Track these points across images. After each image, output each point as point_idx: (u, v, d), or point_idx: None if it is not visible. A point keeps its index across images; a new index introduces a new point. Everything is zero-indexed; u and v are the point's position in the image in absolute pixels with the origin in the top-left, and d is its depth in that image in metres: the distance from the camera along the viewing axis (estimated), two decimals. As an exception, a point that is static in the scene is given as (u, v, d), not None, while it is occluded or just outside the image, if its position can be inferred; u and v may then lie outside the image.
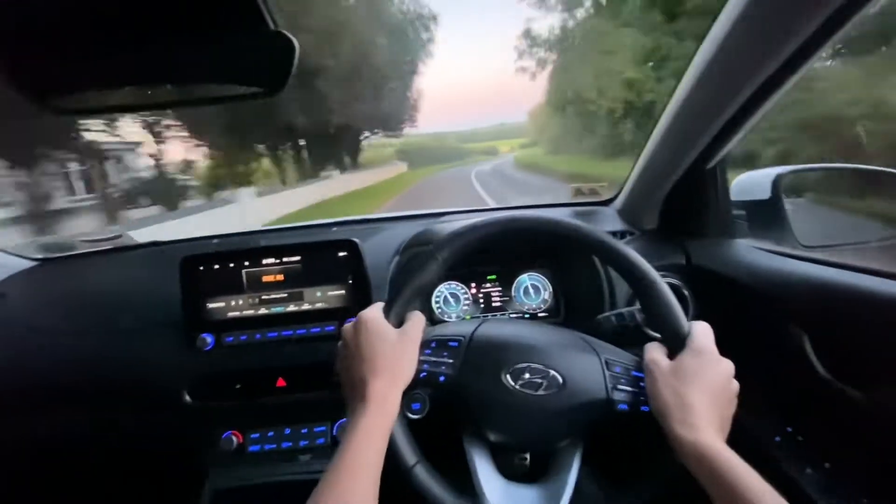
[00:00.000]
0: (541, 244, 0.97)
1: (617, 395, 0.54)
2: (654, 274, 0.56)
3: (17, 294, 1.01)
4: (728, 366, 0.53)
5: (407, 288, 0.58)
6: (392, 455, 0.52)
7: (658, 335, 0.58)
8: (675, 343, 0.55)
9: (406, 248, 0.95)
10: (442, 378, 0.56)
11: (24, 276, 1.06)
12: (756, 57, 0.59)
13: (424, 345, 0.58)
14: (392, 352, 0.54)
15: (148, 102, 0.57)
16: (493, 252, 0.98)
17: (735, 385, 0.53)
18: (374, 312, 0.57)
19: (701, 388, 0.50)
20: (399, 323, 0.57)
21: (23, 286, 1.04)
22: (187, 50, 0.51)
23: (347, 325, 0.57)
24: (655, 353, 0.55)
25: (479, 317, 1.00)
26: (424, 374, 0.56)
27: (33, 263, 1.10)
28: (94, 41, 0.48)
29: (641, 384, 0.54)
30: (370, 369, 0.52)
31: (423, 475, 0.55)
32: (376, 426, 0.50)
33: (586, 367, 0.56)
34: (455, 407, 0.60)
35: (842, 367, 0.62)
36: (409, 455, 0.55)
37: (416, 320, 0.58)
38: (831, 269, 0.68)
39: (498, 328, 0.62)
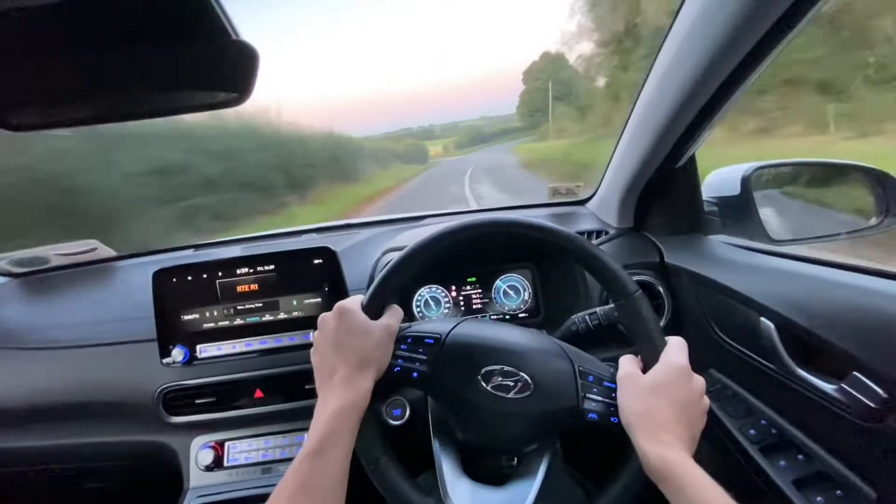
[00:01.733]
0: (521, 246, 0.98)
1: (587, 405, 0.55)
2: (633, 286, 0.57)
3: None
4: (700, 382, 0.53)
5: (386, 282, 0.58)
6: (358, 448, 0.52)
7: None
8: (650, 357, 0.55)
9: (385, 253, 0.95)
10: (415, 374, 0.56)
11: None
12: (715, 55, 0.59)
13: (401, 340, 0.58)
14: (367, 342, 0.54)
15: (112, 114, 0.56)
16: (473, 254, 0.99)
17: (706, 401, 0.53)
18: (352, 303, 0.57)
19: (671, 403, 0.50)
20: (377, 316, 0.57)
21: None
22: (149, 61, 0.50)
23: (324, 314, 0.57)
24: (629, 366, 0.55)
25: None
26: (398, 368, 0.57)
27: (4, 280, 1.08)
28: (52, 55, 0.47)
29: (613, 395, 0.54)
30: (343, 358, 0.53)
31: (389, 470, 0.55)
32: (345, 412, 0.50)
33: (559, 373, 0.57)
34: (426, 402, 0.61)
35: (810, 359, 0.63)
36: (375, 448, 0.55)
37: (394, 313, 0.59)
38: (799, 262, 0.69)
39: (474, 329, 0.62)
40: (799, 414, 0.67)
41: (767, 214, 0.85)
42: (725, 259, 0.80)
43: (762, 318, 0.68)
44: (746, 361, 0.72)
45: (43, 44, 0.45)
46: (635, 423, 0.50)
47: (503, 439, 0.58)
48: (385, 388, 0.56)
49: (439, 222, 1.11)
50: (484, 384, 0.55)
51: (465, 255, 0.98)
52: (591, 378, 0.56)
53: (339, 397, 0.50)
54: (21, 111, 0.52)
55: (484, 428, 0.58)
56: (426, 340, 0.58)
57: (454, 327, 0.60)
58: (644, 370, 0.54)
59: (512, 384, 0.55)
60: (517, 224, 0.60)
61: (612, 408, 0.54)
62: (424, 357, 0.57)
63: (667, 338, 0.56)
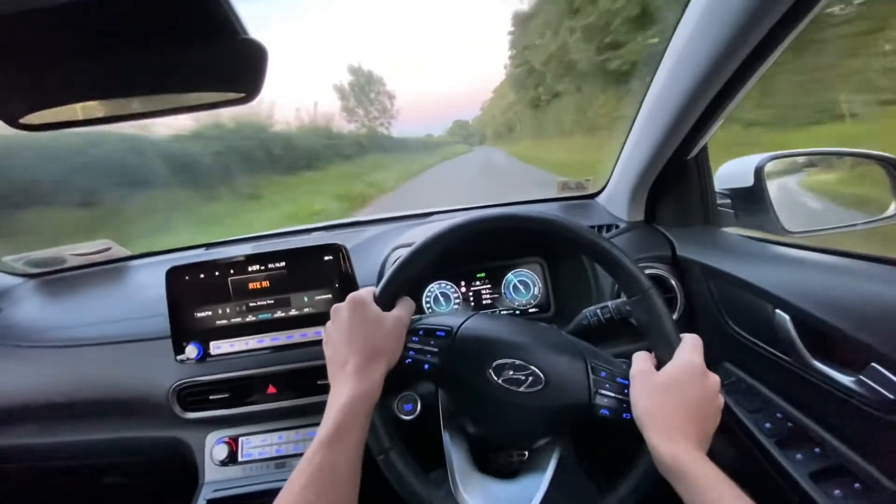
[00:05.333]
0: (532, 241, 0.97)
1: (599, 400, 0.54)
2: (646, 281, 0.56)
3: (8, 312, 1.01)
4: (714, 381, 0.53)
5: (398, 274, 0.59)
6: (368, 438, 0.53)
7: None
8: (664, 354, 0.54)
9: (394, 250, 0.95)
10: (426, 366, 0.57)
11: (14, 293, 1.06)
12: (727, 45, 0.58)
13: (412, 332, 0.58)
14: (379, 333, 0.55)
15: (123, 113, 0.56)
16: (483, 249, 0.99)
17: (720, 400, 0.53)
18: (364, 295, 0.57)
19: (685, 401, 0.50)
20: (389, 307, 0.58)
21: (13, 303, 1.04)
22: (159, 61, 0.50)
23: (337, 305, 0.57)
24: (643, 362, 0.55)
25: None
26: (410, 360, 0.57)
27: (22, 280, 1.10)
28: (63, 56, 0.47)
29: (626, 391, 0.54)
30: (355, 349, 0.53)
31: (398, 461, 0.55)
32: (358, 401, 0.50)
33: (571, 368, 0.56)
34: (437, 397, 0.61)
35: (827, 351, 0.62)
36: (384, 439, 0.55)
37: (406, 305, 0.59)
38: (814, 253, 0.68)
39: (486, 323, 0.61)
40: (815, 406, 0.66)
41: (781, 205, 0.84)
42: (739, 251, 0.79)
43: (777, 311, 0.67)
44: (761, 354, 0.71)
45: (54, 45, 0.46)
46: (648, 420, 0.50)
47: (514, 433, 0.58)
48: (397, 379, 0.56)
49: (446, 219, 1.11)
50: (495, 377, 0.55)
51: (475, 250, 0.98)
52: (603, 374, 0.56)
53: (351, 387, 0.50)
54: (32, 111, 0.53)
55: (495, 421, 0.58)
56: (438, 333, 0.59)
57: (466, 320, 0.61)
58: (658, 367, 0.54)
59: (523, 378, 0.55)
60: (529, 219, 0.60)
61: (624, 404, 0.54)
62: (436, 349, 0.57)
63: (682, 335, 0.55)
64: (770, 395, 0.72)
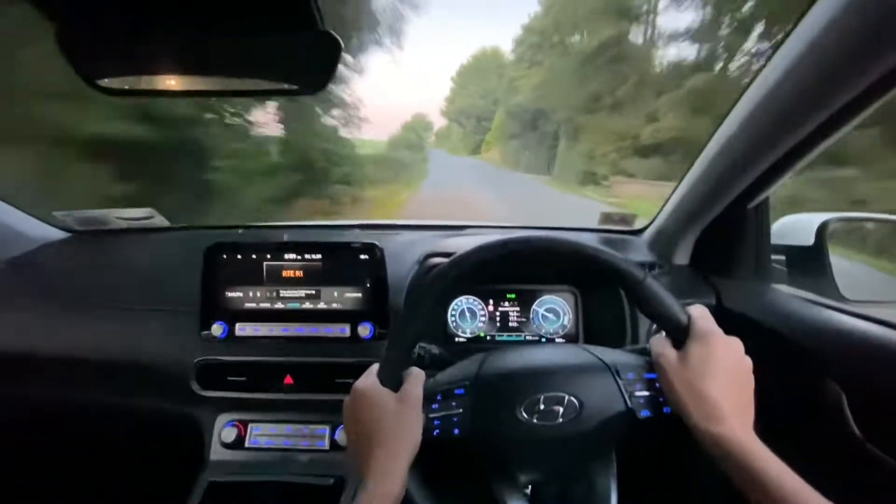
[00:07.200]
0: (561, 266, 0.95)
1: (636, 403, 0.53)
2: (640, 273, 0.54)
3: (47, 263, 1.04)
4: (736, 344, 0.51)
5: (397, 346, 0.57)
6: None
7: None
8: (677, 332, 0.53)
9: (426, 258, 0.94)
10: (456, 430, 0.54)
11: (56, 247, 1.09)
12: (808, 105, 0.56)
13: (430, 399, 0.55)
14: (392, 422, 0.52)
15: (194, 89, 0.58)
16: (512, 271, 0.96)
17: (748, 362, 0.51)
18: (368, 381, 0.55)
19: (714, 375, 0.48)
20: (397, 385, 0.55)
21: (54, 256, 1.06)
22: (236, 43, 0.52)
23: (346, 401, 0.56)
24: (661, 346, 0.53)
25: (493, 336, 0.98)
26: (437, 431, 0.54)
27: (67, 234, 1.13)
28: (149, 27, 0.49)
29: (657, 385, 0.53)
30: (375, 446, 0.51)
31: None
32: (377, 502, 0.48)
33: (599, 381, 0.55)
34: (476, 453, 0.58)
35: (881, 431, 0.58)
36: None
37: (414, 379, 0.56)
38: (877, 325, 0.64)
39: (501, 362, 0.59)
40: (859, 486, 0.61)
41: (841, 270, 0.79)
42: (791, 311, 0.75)
43: (829, 379, 0.63)
44: (806, 421, 0.67)
45: (144, 16, 0.47)
46: (684, 405, 0.49)
47: (564, 466, 0.57)
48: (428, 451, 0.54)
49: (482, 233, 1.10)
50: (527, 416, 0.53)
51: (504, 272, 0.96)
52: (630, 375, 0.54)
53: (369, 488, 0.49)
54: (112, 76, 0.55)
55: (543, 460, 0.56)
56: (457, 392, 0.56)
57: (480, 368, 0.58)
58: (676, 347, 0.53)
59: (556, 408, 0.53)
60: (501, 244, 0.56)
61: (660, 398, 0.52)
62: (460, 410, 0.55)
63: (688, 308, 0.54)
64: (811, 465, 0.68)
